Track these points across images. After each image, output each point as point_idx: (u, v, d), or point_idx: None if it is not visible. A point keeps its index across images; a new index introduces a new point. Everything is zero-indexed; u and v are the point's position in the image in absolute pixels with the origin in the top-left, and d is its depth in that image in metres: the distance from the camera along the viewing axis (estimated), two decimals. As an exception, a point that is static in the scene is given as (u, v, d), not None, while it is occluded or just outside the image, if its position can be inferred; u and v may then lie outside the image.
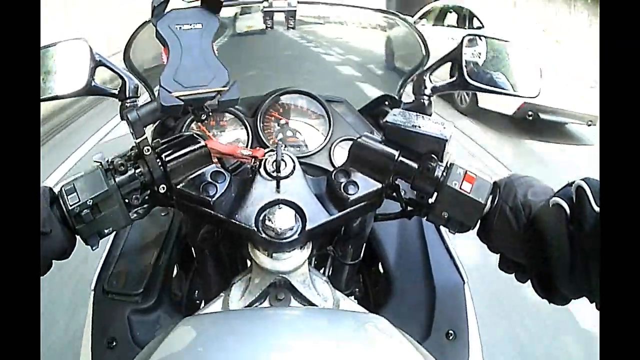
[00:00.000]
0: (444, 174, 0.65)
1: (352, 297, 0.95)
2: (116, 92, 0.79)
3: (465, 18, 6.81)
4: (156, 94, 0.64)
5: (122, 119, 0.73)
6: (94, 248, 0.65)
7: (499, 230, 0.63)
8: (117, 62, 0.82)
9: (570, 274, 0.56)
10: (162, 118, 0.67)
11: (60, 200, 0.62)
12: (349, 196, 0.66)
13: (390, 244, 0.91)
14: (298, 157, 0.70)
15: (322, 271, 0.92)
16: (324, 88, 1.01)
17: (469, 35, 0.86)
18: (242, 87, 0.66)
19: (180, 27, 0.66)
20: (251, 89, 1.01)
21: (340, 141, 0.96)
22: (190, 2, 0.77)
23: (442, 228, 0.90)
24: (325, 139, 0.97)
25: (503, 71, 0.89)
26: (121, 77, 0.79)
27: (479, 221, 0.65)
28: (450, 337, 0.80)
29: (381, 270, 0.92)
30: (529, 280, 0.63)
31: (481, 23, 6.40)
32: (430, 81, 0.81)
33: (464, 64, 0.82)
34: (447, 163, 0.66)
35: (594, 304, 0.55)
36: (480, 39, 0.91)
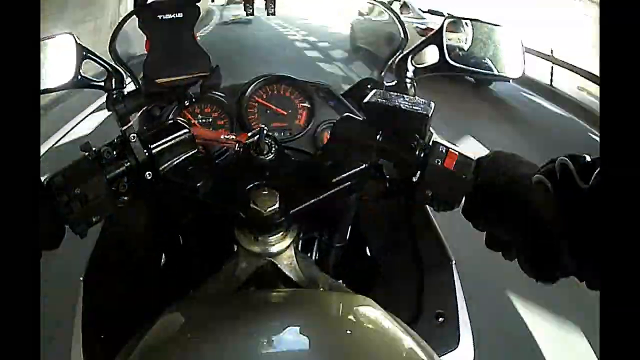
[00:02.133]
0: (427, 151, 0.64)
1: (340, 281, 0.96)
2: (103, 84, 0.80)
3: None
4: (140, 83, 0.65)
5: (108, 109, 0.74)
6: (82, 237, 0.66)
7: (483, 208, 0.63)
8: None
9: (558, 253, 0.55)
10: (147, 106, 0.69)
11: (49, 190, 0.63)
12: (332, 177, 0.67)
13: (376, 226, 0.91)
14: (282, 141, 0.71)
15: (309, 255, 0.93)
16: (306, 73, 1.02)
17: (450, 17, 0.87)
18: (227, 74, 0.67)
19: (162, 17, 0.68)
20: (235, 77, 1.02)
21: (324, 124, 0.97)
22: None
23: (428, 209, 0.90)
24: (309, 123, 0.98)
25: (487, 54, 0.90)
26: (107, 69, 0.81)
27: (464, 199, 0.65)
28: (440, 319, 0.80)
29: (368, 253, 0.93)
30: (516, 259, 0.63)
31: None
32: (412, 64, 0.82)
33: (445, 46, 0.82)
34: (429, 141, 0.65)
35: (584, 282, 0.54)
36: (466, 23, 0.92)
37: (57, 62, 0.83)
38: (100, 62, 0.81)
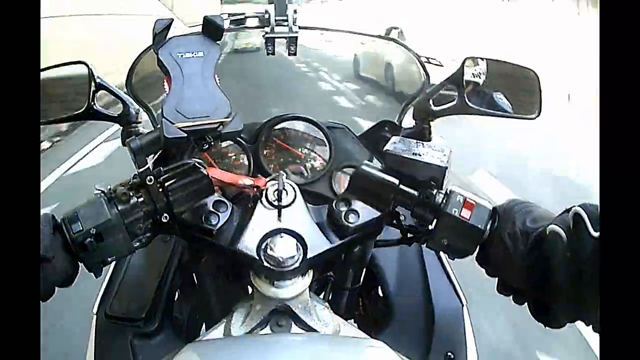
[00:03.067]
0: (444, 201, 0.65)
1: (352, 321, 0.96)
2: (117, 116, 0.79)
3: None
4: (158, 123, 0.64)
5: (123, 144, 0.73)
6: (97, 276, 0.66)
7: (497, 256, 0.64)
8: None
9: (567, 299, 0.56)
10: (165, 148, 0.67)
11: (64, 228, 0.62)
12: (349, 225, 0.67)
13: (390, 269, 0.92)
14: (299, 185, 0.70)
15: (322, 296, 0.93)
16: (323, 113, 1.02)
17: (470, 57, 0.86)
18: (242, 110, 0.66)
19: (182, 55, 0.66)
20: (250, 112, 1.01)
21: (341, 168, 0.97)
22: (192, 26, 0.77)
23: (441, 252, 0.91)
24: (326, 166, 0.97)
25: (503, 91, 0.89)
26: (122, 102, 0.79)
27: (478, 247, 0.65)
28: (450, 359, 0.80)
29: (381, 294, 0.93)
30: (526, 304, 0.64)
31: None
32: (431, 106, 0.81)
33: (463, 87, 0.82)
34: (446, 190, 0.66)
35: (591, 327, 0.56)
36: (482, 60, 0.91)
37: (69, 91, 0.82)
38: (116, 93, 0.80)
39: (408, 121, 0.90)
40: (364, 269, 0.91)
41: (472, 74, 0.90)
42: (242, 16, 0.83)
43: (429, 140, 0.84)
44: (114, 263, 0.87)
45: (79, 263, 0.64)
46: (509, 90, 0.90)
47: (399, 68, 1.13)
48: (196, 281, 0.93)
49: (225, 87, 0.65)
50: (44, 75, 0.82)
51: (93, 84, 0.78)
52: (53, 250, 0.61)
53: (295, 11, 0.77)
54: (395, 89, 1.12)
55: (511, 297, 0.67)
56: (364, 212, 0.67)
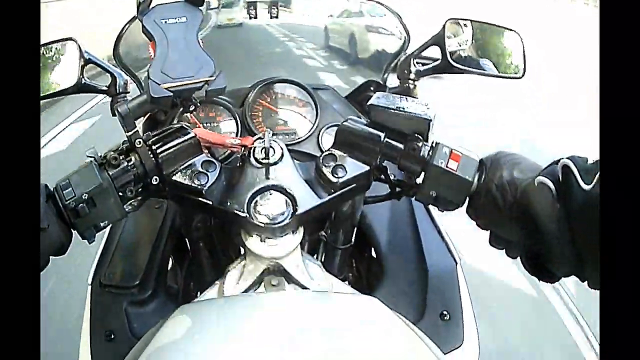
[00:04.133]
0: (430, 153, 0.66)
1: (346, 282, 0.96)
2: (106, 88, 0.80)
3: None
4: (145, 89, 0.65)
5: (112, 114, 0.75)
6: (90, 242, 0.67)
7: (486, 208, 0.64)
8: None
9: (560, 253, 0.56)
10: (152, 110, 0.69)
11: (56, 196, 0.63)
12: (337, 179, 0.67)
13: (381, 228, 0.92)
14: (287, 145, 0.71)
15: (315, 257, 0.93)
16: (307, 77, 1.03)
17: (452, 19, 0.87)
18: (229, 78, 0.67)
19: (165, 22, 0.68)
20: (238, 80, 1.02)
21: (328, 127, 0.98)
22: None
23: (432, 209, 0.91)
24: (313, 125, 0.98)
25: (488, 54, 0.91)
26: (111, 74, 0.81)
27: (467, 199, 0.66)
28: (445, 318, 0.81)
29: (373, 254, 0.93)
30: (519, 257, 0.64)
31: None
32: (415, 65, 0.82)
33: (446, 47, 0.83)
34: (432, 142, 0.67)
35: (586, 282, 0.56)
36: (465, 25, 0.92)
37: (59, 67, 0.83)
38: (103, 66, 0.81)
39: (393, 81, 0.91)
40: (355, 228, 0.91)
41: (457, 42, 0.91)
42: None
43: (415, 96, 0.85)
44: (107, 233, 0.88)
45: (73, 231, 0.65)
46: (493, 51, 0.91)
47: (379, 27, 1.14)
48: (189, 247, 0.94)
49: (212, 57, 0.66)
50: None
51: (82, 59, 0.79)
52: (47, 218, 0.62)
53: None
54: (377, 47, 1.14)
55: (504, 250, 0.67)
56: (352, 167, 0.68)
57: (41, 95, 0.81)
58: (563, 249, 0.56)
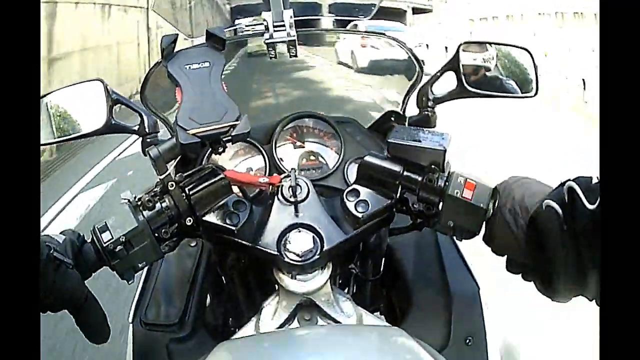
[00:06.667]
0: (446, 183, 0.67)
1: (378, 312, 0.99)
2: (136, 128, 0.83)
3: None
4: (174, 131, 0.68)
5: (144, 154, 0.77)
6: (129, 282, 0.69)
7: (500, 233, 0.65)
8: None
9: (568, 274, 0.58)
10: (182, 154, 0.71)
11: (94, 238, 0.66)
12: (361, 214, 0.69)
13: (407, 257, 0.94)
14: (313, 180, 0.73)
15: (347, 289, 0.96)
16: (332, 108, 1.05)
17: (465, 42, 0.89)
18: (255, 112, 0.69)
19: (189, 67, 0.70)
20: (264, 114, 1.04)
21: (353, 160, 1.00)
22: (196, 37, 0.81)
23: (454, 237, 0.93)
24: (338, 159, 1.01)
25: (502, 74, 0.92)
26: (139, 114, 0.83)
27: (483, 226, 0.67)
28: (469, 343, 0.82)
29: (402, 283, 0.95)
30: (532, 280, 0.66)
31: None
32: (432, 92, 0.84)
33: (461, 72, 0.85)
34: (448, 172, 0.68)
35: (593, 301, 0.57)
36: (477, 44, 0.94)
37: (87, 108, 0.85)
38: (132, 106, 0.83)
39: (413, 109, 0.93)
40: (383, 259, 0.93)
41: (483, 58, 0.93)
42: (239, 26, 0.86)
43: (434, 125, 0.87)
44: (144, 272, 0.91)
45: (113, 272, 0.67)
46: (506, 70, 0.93)
47: (393, 61, 1.17)
48: (225, 283, 0.96)
49: (241, 88, 0.69)
50: (60, 94, 0.86)
51: (110, 99, 0.81)
52: (87, 262, 0.66)
53: (291, 16, 0.81)
54: (392, 80, 1.16)
55: (520, 275, 0.68)
56: (373, 201, 0.70)
57: (70, 137, 0.84)
58: (572, 270, 0.57)
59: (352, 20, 1.12)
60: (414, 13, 29.39)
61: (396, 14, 27.59)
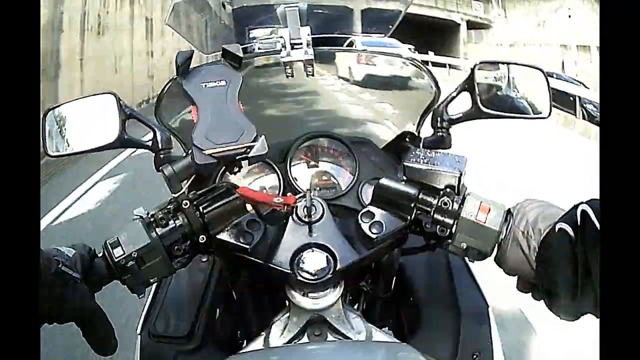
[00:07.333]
0: (461, 206, 0.68)
1: (387, 328, 0.99)
2: (149, 144, 0.82)
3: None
4: (188, 148, 0.68)
5: (157, 170, 0.77)
6: (140, 297, 0.69)
7: (512, 255, 0.66)
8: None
9: (574, 294, 0.58)
10: (197, 173, 0.71)
11: (106, 254, 0.66)
12: (375, 235, 0.70)
13: (418, 276, 0.95)
14: (328, 200, 0.73)
15: (357, 306, 0.96)
16: (345, 126, 1.05)
17: (479, 62, 0.88)
18: (270, 129, 0.69)
19: (205, 85, 0.70)
20: (279, 131, 1.04)
21: (367, 181, 1.00)
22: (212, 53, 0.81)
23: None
24: (353, 180, 1.01)
25: (515, 94, 0.92)
26: (152, 129, 0.82)
27: (495, 248, 0.68)
28: (476, 358, 0.83)
29: (412, 299, 0.95)
30: (542, 300, 0.66)
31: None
32: (447, 113, 0.84)
33: (476, 93, 0.84)
34: (463, 195, 0.69)
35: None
36: (491, 64, 0.94)
37: (99, 122, 0.84)
38: (144, 121, 0.83)
39: (428, 130, 0.93)
40: (394, 278, 0.94)
41: (494, 76, 0.93)
42: (253, 42, 0.86)
43: (449, 147, 0.87)
44: (155, 284, 0.90)
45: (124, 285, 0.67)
46: (520, 91, 0.92)
47: (409, 81, 1.17)
48: (235, 297, 0.96)
49: (251, 102, 0.68)
50: (72, 106, 0.85)
51: (122, 113, 0.81)
52: (97, 276, 0.66)
53: (308, 34, 0.80)
54: (409, 101, 1.16)
55: (530, 294, 0.68)
56: (388, 223, 0.70)
57: (83, 149, 0.83)
58: (578, 290, 0.58)
59: (371, 36, 1.11)
60: (469, 28, 24.46)
61: (446, 29, 24.19)
